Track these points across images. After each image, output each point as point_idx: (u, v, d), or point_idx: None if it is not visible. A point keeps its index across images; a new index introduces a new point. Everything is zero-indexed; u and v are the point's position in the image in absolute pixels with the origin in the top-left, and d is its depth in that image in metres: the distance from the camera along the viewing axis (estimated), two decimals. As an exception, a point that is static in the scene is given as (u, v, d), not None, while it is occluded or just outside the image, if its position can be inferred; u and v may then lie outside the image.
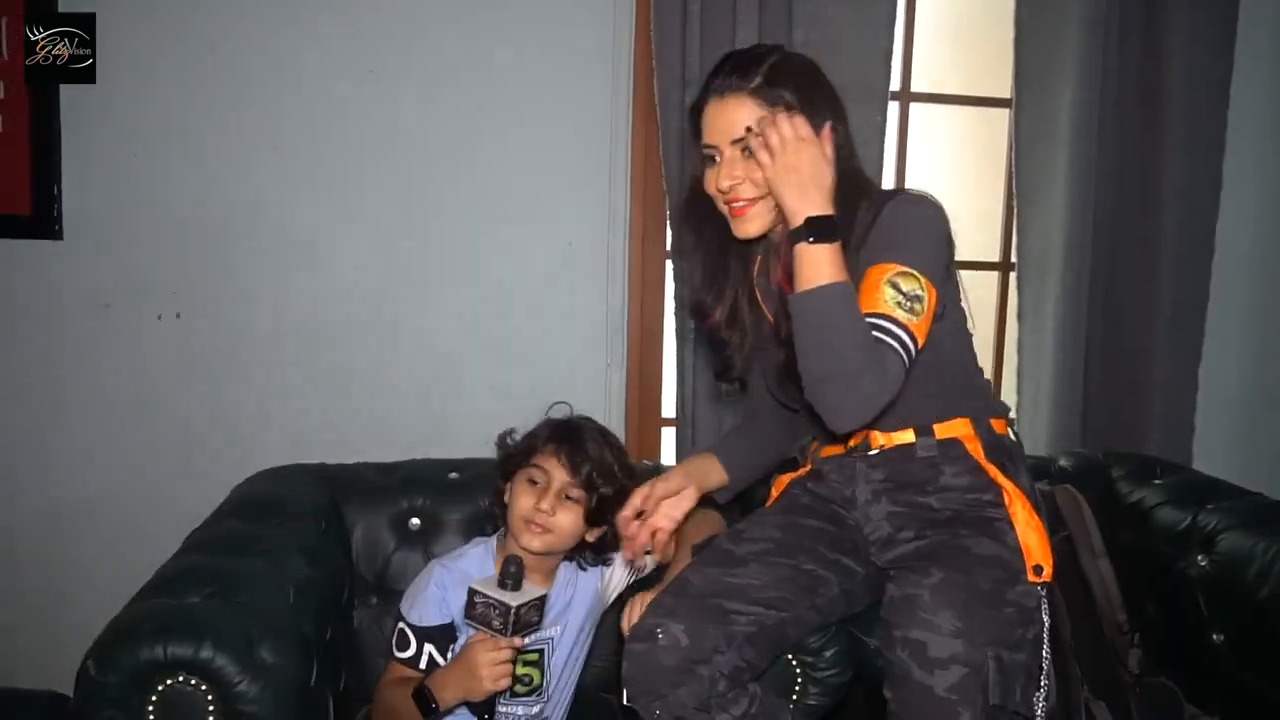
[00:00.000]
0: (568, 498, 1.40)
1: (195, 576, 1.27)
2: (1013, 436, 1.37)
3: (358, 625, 1.65)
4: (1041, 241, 2.23)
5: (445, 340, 2.10)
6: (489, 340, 2.11)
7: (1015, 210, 2.23)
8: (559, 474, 1.40)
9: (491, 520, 1.55)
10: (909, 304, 1.17)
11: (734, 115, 1.24)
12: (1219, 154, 2.23)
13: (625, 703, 1.24)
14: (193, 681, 1.12)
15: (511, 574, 1.20)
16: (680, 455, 2.16)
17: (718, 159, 1.27)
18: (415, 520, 1.69)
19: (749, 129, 1.22)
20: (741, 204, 1.26)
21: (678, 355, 2.13)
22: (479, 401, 2.10)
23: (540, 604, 1.22)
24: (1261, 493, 1.69)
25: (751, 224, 1.28)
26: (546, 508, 1.38)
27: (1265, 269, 2.39)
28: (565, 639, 1.46)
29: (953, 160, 2.47)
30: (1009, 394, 2.31)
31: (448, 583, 1.40)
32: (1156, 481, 1.77)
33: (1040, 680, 1.23)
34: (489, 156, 2.07)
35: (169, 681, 1.12)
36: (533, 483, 1.41)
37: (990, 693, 1.14)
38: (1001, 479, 1.28)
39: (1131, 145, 2.21)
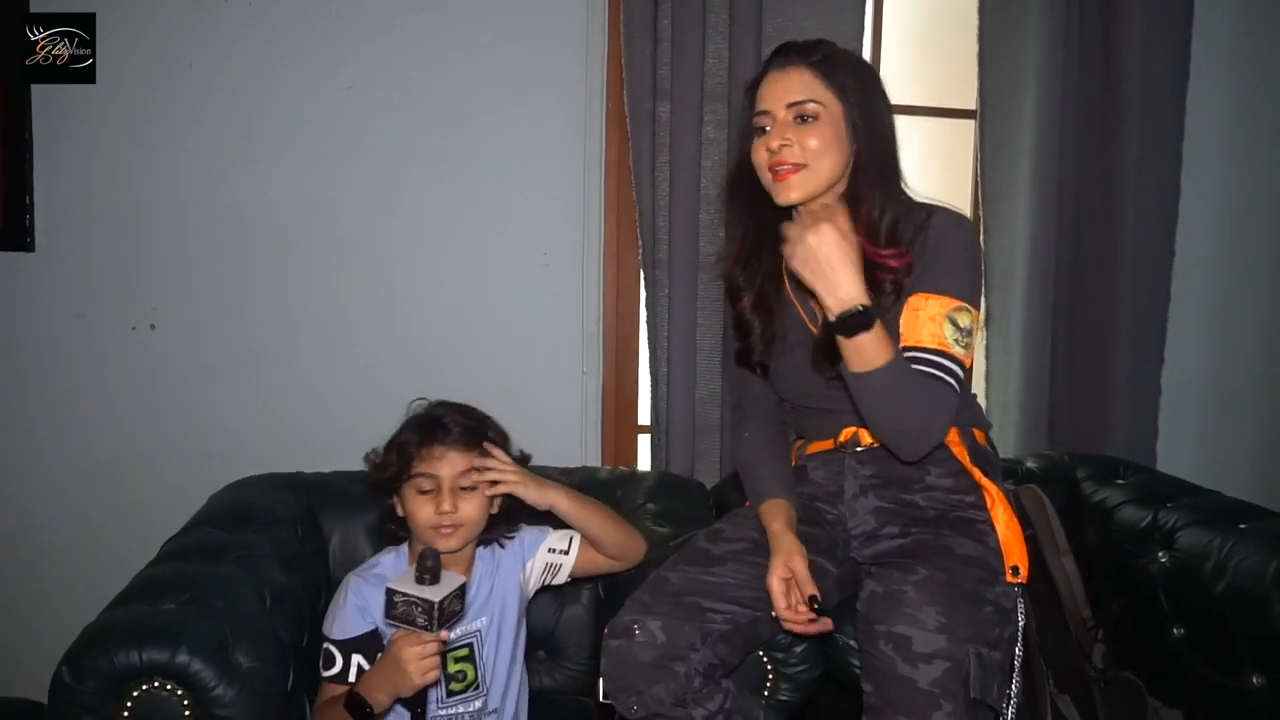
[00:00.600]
0: (462, 487, 1.37)
1: (170, 583, 1.27)
2: (991, 447, 1.43)
3: (335, 633, 1.65)
4: (1007, 249, 2.28)
5: (421, 349, 2.11)
6: (465, 349, 2.13)
7: (981, 219, 2.28)
8: (444, 469, 1.36)
9: (394, 539, 1.50)
10: (964, 339, 1.26)
11: (791, 83, 1.29)
12: (1177, 163, 2.30)
13: (602, 699, 1.26)
14: (168, 687, 1.12)
15: (429, 568, 1.16)
16: (655, 463, 2.18)
17: (769, 127, 1.31)
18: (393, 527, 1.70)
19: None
20: (787, 168, 1.29)
21: (652, 364, 2.16)
22: (455, 410, 2.11)
23: (461, 592, 1.19)
24: (1219, 491, 1.73)
25: (793, 191, 1.30)
26: (449, 507, 1.35)
27: (1223, 275, 2.46)
28: (493, 629, 1.44)
29: (920, 170, 2.51)
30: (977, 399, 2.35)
31: (365, 591, 1.37)
32: (1119, 481, 1.81)
33: (1013, 678, 1.26)
34: (464, 169, 2.09)
35: (144, 687, 1.12)
36: (422, 491, 1.37)
37: (971, 687, 1.17)
38: (985, 481, 1.32)
39: (1092, 155, 2.27)
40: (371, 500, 1.50)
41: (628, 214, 2.17)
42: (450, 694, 1.40)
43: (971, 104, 2.28)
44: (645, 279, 2.14)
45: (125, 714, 1.12)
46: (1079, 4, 2.21)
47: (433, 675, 1.20)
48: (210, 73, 1.96)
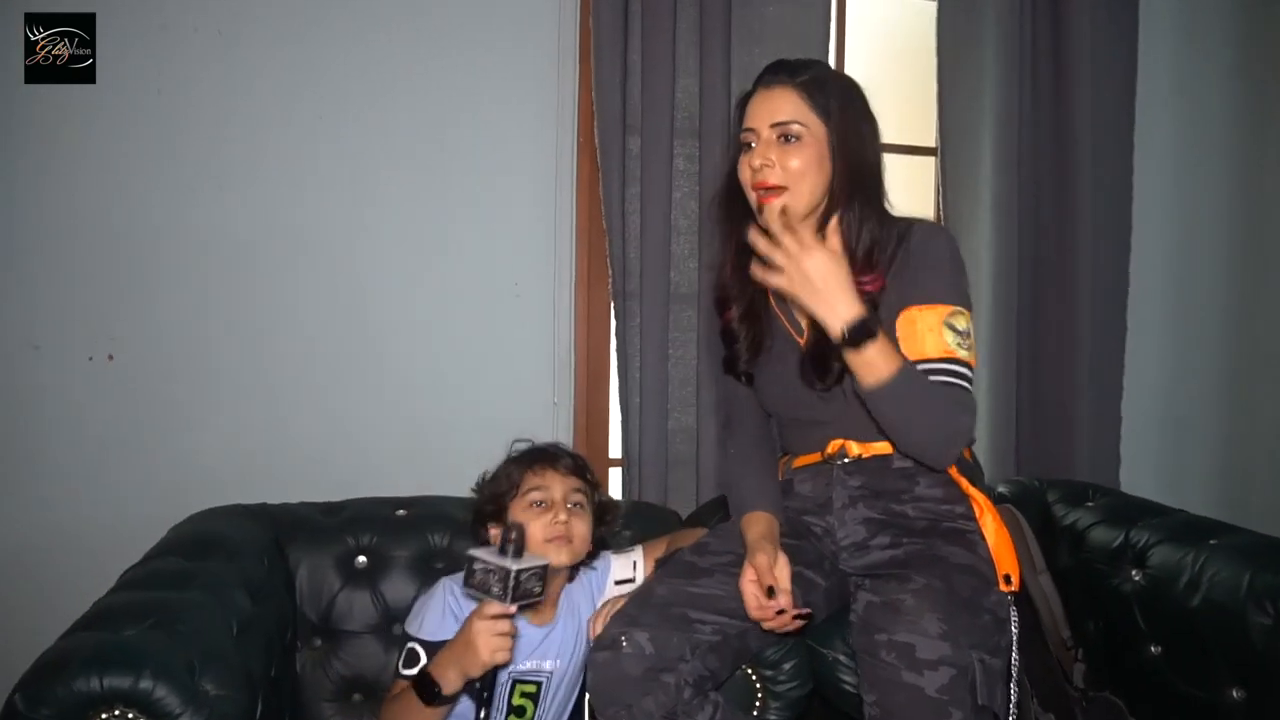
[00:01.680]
0: (573, 504, 1.43)
1: (131, 610, 1.21)
2: (974, 461, 1.44)
3: (300, 669, 1.59)
4: (970, 282, 2.32)
5: (390, 380, 2.08)
6: (435, 379, 2.10)
7: (944, 252, 2.32)
8: (558, 485, 1.43)
9: (446, 559, 1.53)
10: (965, 341, 1.27)
11: (777, 103, 1.31)
12: (1128, 197, 2.39)
13: (588, 718, 1.22)
14: (130, 715, 1.06)
15: (511, 539, 1.17)
16: (627, 495, 2.16)
17: (754, 144, 1.32)
18: (362, 559, 1.65)
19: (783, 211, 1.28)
20: (768, 189, 1.30)
21: (623, 395, 2.15)
22: (427, 441, 2.08)
23: (542, 573, 1.18)
24: (1185, 509, 1.76)
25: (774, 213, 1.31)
26: (564, 519, 1.39)
27: (1177, 305, 2.54)
28: (561, 675, 1.42)
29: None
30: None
31: (458, 593, 1.37)
32: (1089, 504, 1.83)
33: (1010, 686, 1.25)
34: (434, 199, 2.09)
35: (104, 715, 1.06)
36: (536, 504, 1.41)
37: (978, 693, 1.16)
38: (973, 491, 1.33)
39: (1048, 191, 2.35)
40: (470, 532, 1.52)
41: (598, 245, 2.18)
42: (512, 712, 1.39)
43: (932, 141, 2.35)
44: (616, 310, 2.14)
45: (83, 745, 1.05)
46: (1031, 47, 2.31)
47: (502, 655, 1.18)
48: (177, 98, 1.94)
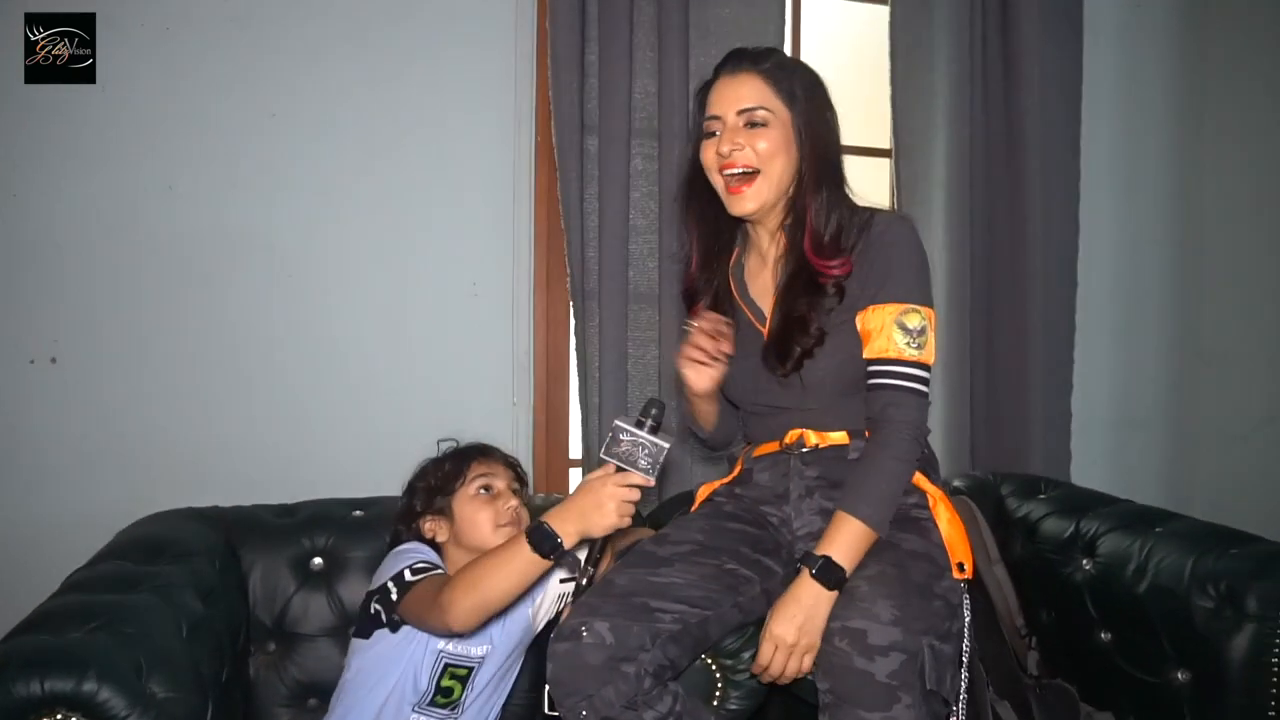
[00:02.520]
0: (514, 492, 1.49)
1: (75, 613, 1.17)
2: (929, 451, 1.46)
3: (253, 675, 1.56)
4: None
5: (346, 381, 2.05)
6: (392, 380, 2.08)
7: (899, 252, 2.36)
8: (501, 475, 1.49)
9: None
10: (916, 339, 1.28)
11: (743, 90, 1.31)
12: (1075, 198, 2.45)
13: (548, 711, 1.21)
14: (73, 719, 1.03)
15: (654, 415, 1.20)
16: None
17: (719, 132, 1.32)
18: (318, 560, 1.63)
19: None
20: (738, 178, 1.31)
21: (583, 396, 2.15)
22: (384, 442, 2.04)
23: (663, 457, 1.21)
24: (1131, 499, 1.80)
25: (748, 202, 1.32)
26: (514, 504, 1.46)
27: (1124, 302, 2.60)
28: (493, 659, 1.43)
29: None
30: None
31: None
32: (1041, 496, 1.87)
33: (961, 671, 1.27)
34: (391, 198, 2.07)
35: (46, 720, 1.03)
36: (484, 489, 1.46)
37: (927, 678, 1.18)
38: (925, 484, 1.35)
39: (998, 191, 2.40)
40: (394, 529, 1.53)
41: (557, 244, 2.17)
42: (433, 704, 1.39)
43: (886, 143, 2.38)
44: (575, 309, 2.14)
45: (24, 751, 1.02)
46: (981, 50, 2.35)
47: (627, 521, 1.21)
48: (124, 99, 1.90)
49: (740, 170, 1.31)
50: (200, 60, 1.95)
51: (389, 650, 1.36)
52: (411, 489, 1.52)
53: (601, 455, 1.21)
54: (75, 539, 1.65)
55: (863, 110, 2.48)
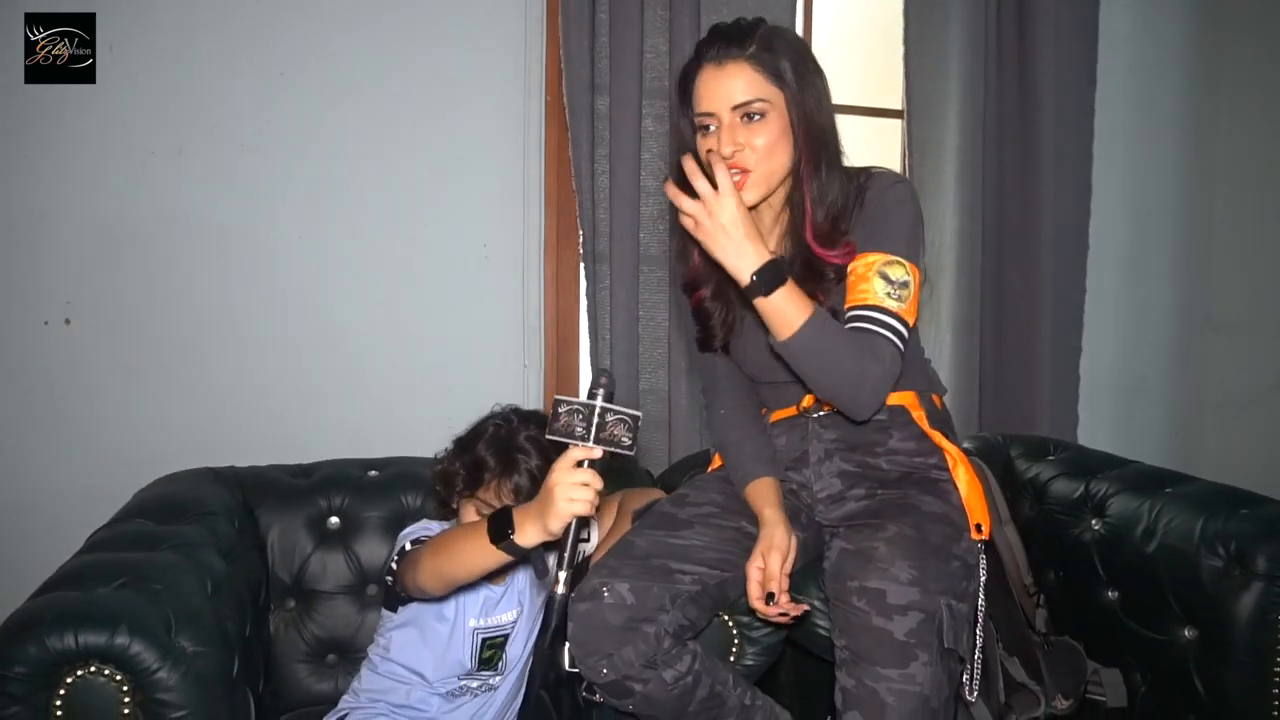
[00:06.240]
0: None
1: (103, 570, 1.19)
2: (946, 412, 1.46)
3: (274, 631, 1.58)
4: (935, 244, 2.37)
5: (358, 343, 2.06)
6: (404, 343, 2.08)
7: (910, 214, 2.35)
8: (508, 499, 1.33)
9: (420, 519, 1.49)
10: (898, 291, 1.23)
11: (733, 82, 1.25)
12: (1088, 163, 2.44)
13: (568, 668, 1.23)
14: (106, 671, 1.05)
15: (603, 384, 1.10)
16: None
17: (714, 127, 1.28)
18: (334, 520, 1.65)
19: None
20: (739, 174, 1.26)
21: (593, 357, 2.15)
22: (397, 404, 2.06)
23: (633, 424, 1.10)
24: (1140, 460, 1.82)
25: (748, 193, 1.27)
26: None
27: (1134, 268, 2.60)
28: (524, 621, 1.44)
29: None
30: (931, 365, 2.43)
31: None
32: (1050, 458, 1.88)
33: (976, 630, 1.29)
34: (402, 163, 2.06)
35: (79, 673, 1.05)
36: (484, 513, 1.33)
37: (945, 637, 1.19)
38: (945, 444, 1.35)
39: (1012, 155, 2.39)
40: (431, 494, 1.50)
41: (568, 206, 2.16)
42: (482, 665, 1.39)
43: (899, 104, 2.36)
44: (586, 272, 2.14)
45: (58, 703, 1.04)
46: (996, 12, 2.33)
47: (581, 506, 1.09)
48: (130, 61, 1.88)
49: (742, 166, 1.28)
50: (207, 31, 1.92)
51: (423, 640, 1.36)
52: (448, 467, 1.40)
53: (546, 437, 1.13)
54: (93, 499, 1.67)
55: (875, 69, 2.46)
